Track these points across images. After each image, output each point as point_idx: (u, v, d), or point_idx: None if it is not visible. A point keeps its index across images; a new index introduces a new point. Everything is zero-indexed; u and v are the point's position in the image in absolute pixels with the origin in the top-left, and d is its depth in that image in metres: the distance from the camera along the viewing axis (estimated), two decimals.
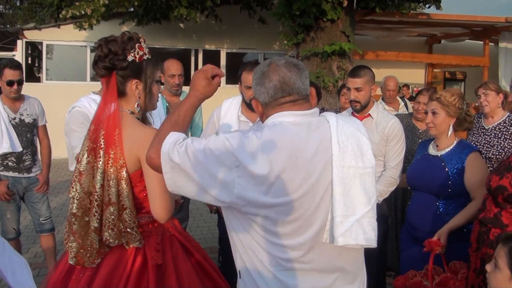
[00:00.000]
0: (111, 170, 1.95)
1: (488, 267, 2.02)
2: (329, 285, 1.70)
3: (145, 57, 2.08)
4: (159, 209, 1.98)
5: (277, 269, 1.65)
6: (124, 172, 1.96)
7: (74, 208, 1.98)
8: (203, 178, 1.57)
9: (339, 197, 1.61)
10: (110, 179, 1.95)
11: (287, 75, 1.70)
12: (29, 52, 11.65)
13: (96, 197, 1.95)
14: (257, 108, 1.79)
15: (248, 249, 1.69)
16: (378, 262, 3.40)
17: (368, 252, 1.81)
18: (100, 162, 1.96)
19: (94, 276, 2.00)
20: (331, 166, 1.63)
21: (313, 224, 1.64)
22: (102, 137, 1.97)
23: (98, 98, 2.73)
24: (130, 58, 2.02)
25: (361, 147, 1.69)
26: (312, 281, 1.68)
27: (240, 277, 1.77)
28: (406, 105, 6.22)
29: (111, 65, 2.02)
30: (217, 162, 1.56)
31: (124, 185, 1.96)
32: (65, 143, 3.02)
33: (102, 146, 1.97)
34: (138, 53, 2.04)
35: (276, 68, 1.71)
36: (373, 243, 1.65)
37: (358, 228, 1.62)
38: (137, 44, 2.05)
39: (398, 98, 6.23)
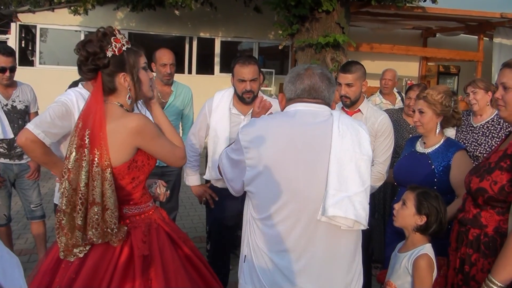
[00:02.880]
0: (96, 170, 1.98)
1: (397, 206, 2.54)
2: (322, 273, 1.84)
3: (124, 48, 2.08)
4: (179, 153, 2.23)
5: (271, 252, 1.84)
6: (108, 173, 2.00)
7: (63, 204, 2.01)
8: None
9: (334, 174, 1.77)
10: (94, 180, 1.98)
11: (318, 83, 1.92)
12: (23, 35, 11.53)
13: (80, 195, 1.98)
14: (281, 102, 2.02)
15: (250, 234, 1.91)
16: (363, 252, 3.44)
17: None
18: (85, 162, 1.98)
19: (82, 265, 2.04)
20: (329, 148, 1.79)
21: (308, 202, 1.79)
22: (87, 136, 1.99)
23: (86, 94, 2.73)
24: (109, 53, 2.03)
25: (360, 138, 1.86)
26: (304, 263, 1.82)
27: (244, 261, 1.96)
28: (402, 99, 6.23)
29: (94, 66, 2.03)
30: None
31: (108, 186, 1.99)
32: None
33: (87, 145, 1.98)
34: (115, 46, 2.05)
35: (311, 74, 1.93)
36: (362, 220, 1.78)
37: (348, 203, 1.75)
38: (112, 38, 2.05)
39: (395, 92, 6.25)
